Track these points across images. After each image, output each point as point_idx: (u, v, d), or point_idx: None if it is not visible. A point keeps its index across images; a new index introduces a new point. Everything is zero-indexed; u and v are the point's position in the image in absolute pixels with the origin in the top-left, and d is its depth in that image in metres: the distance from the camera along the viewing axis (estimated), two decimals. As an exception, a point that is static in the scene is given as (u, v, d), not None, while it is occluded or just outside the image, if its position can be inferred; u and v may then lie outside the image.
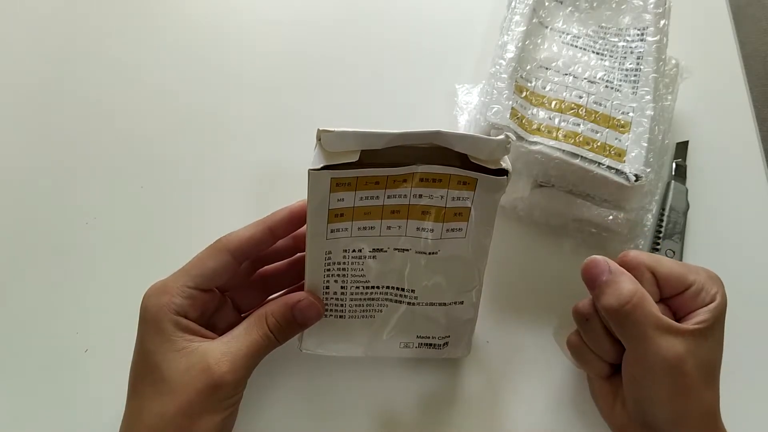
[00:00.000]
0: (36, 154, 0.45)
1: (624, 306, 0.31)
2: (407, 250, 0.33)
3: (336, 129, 0.28)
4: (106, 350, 0.38)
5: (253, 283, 0.36)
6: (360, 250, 0.33)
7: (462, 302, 0.35)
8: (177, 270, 0.32)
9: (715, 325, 0.31)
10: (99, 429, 0.36)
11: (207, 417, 0.29)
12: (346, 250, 0.33)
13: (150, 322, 0.30)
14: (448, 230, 0.33)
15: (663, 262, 0.33)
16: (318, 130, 0.28)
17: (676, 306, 0.33)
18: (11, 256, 0.41)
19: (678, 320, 0.32)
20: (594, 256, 0.33)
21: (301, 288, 0.33)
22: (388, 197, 0.31)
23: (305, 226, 0.32)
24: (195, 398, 0.29)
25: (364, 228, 0.32)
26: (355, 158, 0.29)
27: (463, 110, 0.45)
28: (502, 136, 0.29)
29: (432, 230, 0.32)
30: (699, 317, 0.31)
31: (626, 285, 0.31)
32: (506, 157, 0.31)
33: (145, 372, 0.30)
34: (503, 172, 0.31)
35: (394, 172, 0.30)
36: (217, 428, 0.29)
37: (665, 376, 0.30)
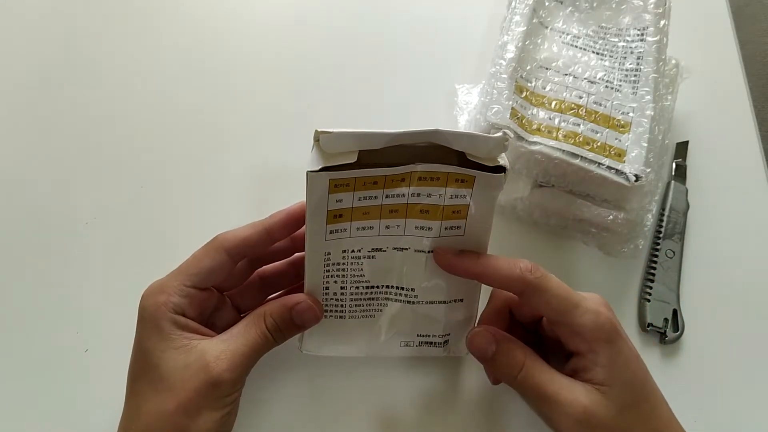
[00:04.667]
0: (36, 154, 0.45)
1: (519, 374, 0.31)
2: (406, 249, 0.33)
3: (334, 130, 0.28)
4: (106, 350, 0.38)
5: (252, 283, 0.36)
6: (359, 250, 0.33)
7: (462, 300, 0.35)
8: (174, 269, 0.32)
9: (610, 377, 0.30)
10: (99, 429, 0.36)
11: (205, 414, 0.29)
12: (345, 251, 0.32)
13: (148, 321, 0.30)
14: (446, 228, 0.32)
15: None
16: (315, 131, 0.28)
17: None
18: (11, 256, 0.41)
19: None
20: (476, 328, 0.33)
21: (300, 288, 0.33)
22: (387, 197, 0.31)
23: (304, 227, 0.31)
24: (193, 396, 0.28)
25: (363, 228, 0.32)
26: (353, 159, 0.29)
27: (463, 110, 0.45)
28: (499, 134, 0.29)
29: (431, 228, 0.32)
30: (591, 373, 0.30)
31: (516, 353, 0.31)
32: (504, 154, 0.31)
33: (144, 370, 0.30)
34: (501, 169, 0.30)
35: (393, 172, 0.30)
36: (216, 426, 0.29)
37: None
